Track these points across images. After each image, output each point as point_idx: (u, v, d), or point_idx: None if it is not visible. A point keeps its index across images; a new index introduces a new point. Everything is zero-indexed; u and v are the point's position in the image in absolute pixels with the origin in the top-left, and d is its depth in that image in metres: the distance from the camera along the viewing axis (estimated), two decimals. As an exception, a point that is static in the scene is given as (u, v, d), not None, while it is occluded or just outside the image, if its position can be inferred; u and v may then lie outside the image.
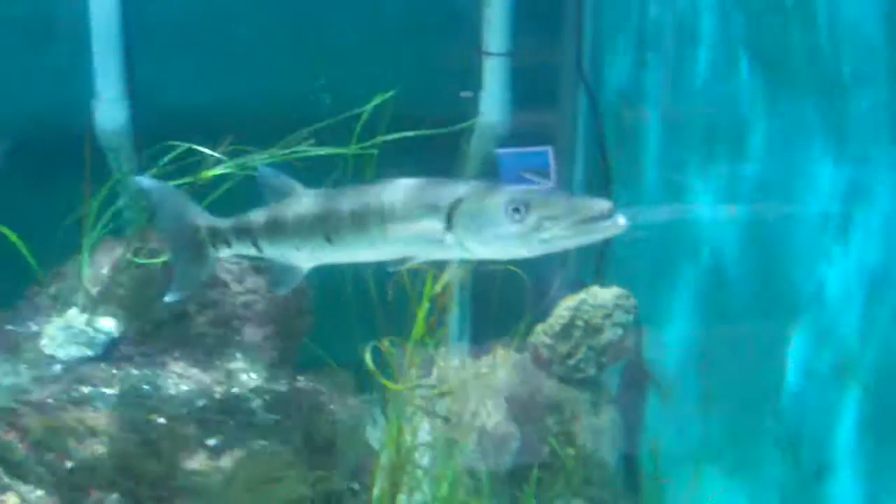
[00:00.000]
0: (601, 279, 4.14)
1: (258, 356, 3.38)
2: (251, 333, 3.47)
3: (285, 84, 4.36)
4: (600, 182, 4.43)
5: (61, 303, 3.49)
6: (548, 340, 3.63)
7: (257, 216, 3.01)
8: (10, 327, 3.37)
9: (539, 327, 3.69)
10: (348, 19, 4.37)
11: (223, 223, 3.11)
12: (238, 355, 3.34)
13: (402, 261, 2.63)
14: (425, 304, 3.20)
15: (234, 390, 3.13)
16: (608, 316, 3.59)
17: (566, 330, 3.61)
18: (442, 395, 3.23)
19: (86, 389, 3.03)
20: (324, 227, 2.75)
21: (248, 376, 3.25)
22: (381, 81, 3.86)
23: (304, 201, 2.88)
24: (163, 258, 3.45)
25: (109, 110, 4.23)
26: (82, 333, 3.31)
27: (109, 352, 3.33)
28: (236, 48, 4.30)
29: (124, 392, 2.99)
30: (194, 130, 4.14)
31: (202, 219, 3.11)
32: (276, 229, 2.94)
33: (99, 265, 3.54)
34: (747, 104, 3.52)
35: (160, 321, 3.46)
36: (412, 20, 4.44)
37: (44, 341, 3.30)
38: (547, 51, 4.62)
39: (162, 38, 4.24)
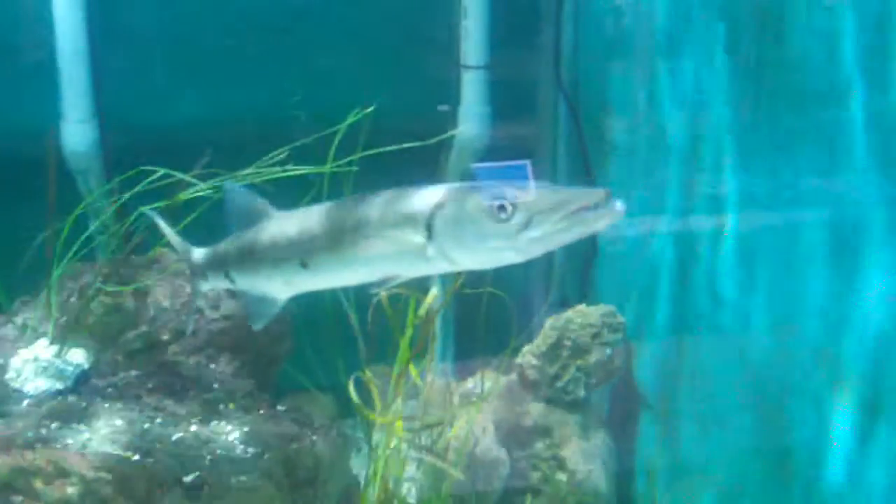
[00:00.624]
0: (587, 297, 4.06)
1: (236, 385, 3.26)
2: (228, 361, 3.34)
3: (260, 101, 4.26)
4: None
5: (29, 333, 3.34)
6: (535, 361, 3.53)
7: (227, 245, 2.86)
8: (-26, 360, 3.22)
9: (525, 348, 3.59)
10: (324, 33, 4.27)
11: (198, 256, 2.99)
12: (214, 385, 3.21)
13: (385, 282, 2.40)
14: (408, 332, 3.08)
15: (212, 422, 3.00)
16: (596, 335, 3.49)
17: (553, 350, 3.51)
18: (427, 427, 3.10)
19: (55, 426, 2.88)
20: (298, 251, 2.55)
21: (226, 407, 3.12)
22: (359, 96, 3.77)
23: (274, 224, 2.69)
24: (133, 285, 3.33)
25: (77, 132, 4.10)
26: (51, 366, 3.16)
27: (80, 384, 3.19)
28: (208, 64, 4.20)
29: (95, 428, 2.84)
30: (166, 150, 4.03)
31: (192, 254, 3.00)
32: (247, 258, 2.76)
33: (68, 293, 3.41)
34: (730, 114, 3.44)
35: (132, 351, 3.33)
36: (389, 33, 4.35)
37: (10, 374, 3.15)
38: (526, 63, 4.55)
39: (130, 57, 4.12)
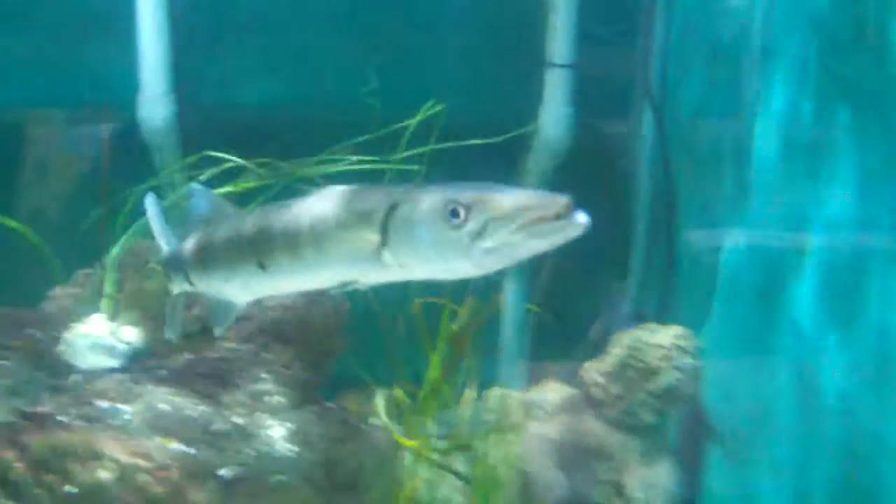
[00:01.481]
0: (664, 314, 3.85)
1: (286, 378, 3.16)
2: (281, 352, 3.25)
3: (336, 86, 4.16)
4: (664, 203, 4.13)
5: (86, 307, 3.31)
6: (600, 379, 3.34)
7: (187, 245, 2.69)
8: (31, 331, 3.20)
9: (591, 364, 3.40)
10: (406, 23, 4.15)
11: (166, 255, 2.83)
12: (265, 375, 3.12)
13: (345, 286, 2.22)
14: (441, 348, 2.90)
15: (256, 415, 2.91)
16: (666, 358, 3.28)
17: (620, 369, 3.31)
18: (460, 449, 2.93)
19: (100, 404, 2.83)
20: (255, 252, 2.36)
21: (273, 399, 3.03)
22: (435, 90, 3.64)
23: (232, 223, 2.51)
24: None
25: (154, 106, 4.06)
26: (104, 342, 3.13)
27: (131, 363, 3.15)
28: (286, 47, 4.12)
29: (139, 411, 2.78)
30: (240, 129, 3.98)
31: (163, 252, 2.85)
32: (205, 259, 2.59)
33: (127, 269, 3.36)
34: (822, 130, 3.20)
35: (186, 333, 3.26)
36: (472, 25, 4.21)
37: (63, 348, 3.13)
38: (613, 63, 4.35)
39: (210, 35, 4.07)
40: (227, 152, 3.46)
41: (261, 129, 3.93)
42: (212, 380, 3.08)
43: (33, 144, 4.25)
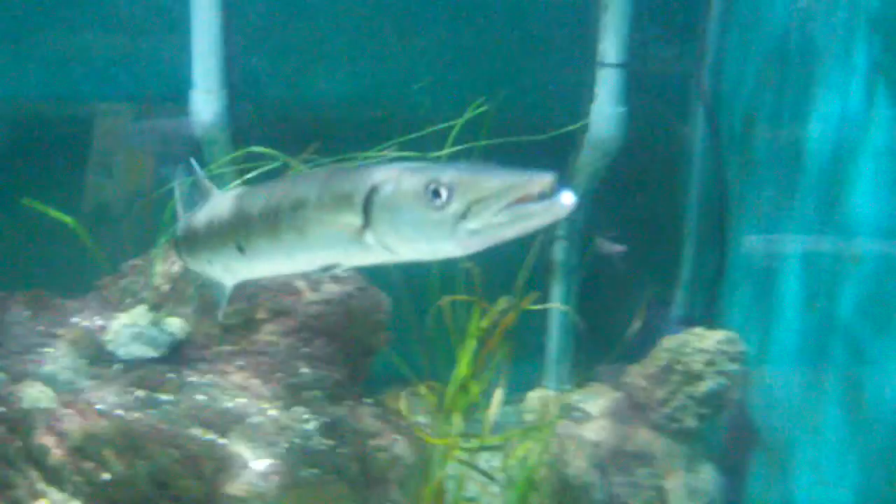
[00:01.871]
0: (711, 317, 3.76)
1: (325, 372, 3.15)
2: (321, 347, 3.24)
3: (385, 83, 4.15)
4: (716, 207, 4.04)
5: (130, 298, 3.35)
6: (643, 383, 3.27)
7: (180, 224, 2.70)
8: (75, 319, 3.25)
9: (634, 368, 3.33)
10: (456, 20, 4.12)
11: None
12: (304, 370, 3.12)
13: (327, 269, 2.18)
14: (470, 343, 2.86)
15: (293, 408, 2.91)
16: (711, 363, 3.20)
17: (663, 374, 3.24)
18: (486, 448, 2.88)
19: (139, 394, 2.85)
20: (234, 234, 2.33)
21: (311, 394, 3.03)
22: (485, 88, 3.61)
23: (212, 205, 2.49)
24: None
25: (206, 101, 4.09)
26: (146, 333, 3.15)
27: (173, 354, 3.17)
28: (338, 43, 4.12)
29: (177, 401, 2.80)
30: (291, 125, 3.99)
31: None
32: (190, 240, 2.60)
33: (172, 262, 3.39)
34: (880, 138, 3.08)
35: (228, 325, 3.28)
36: (523, 22, 4.16)
37: (107, 337, 3.16)
38: (666, 64, 4.27)
39: (263, 31, 4.09)
40: (277, 148, 3.47)
41: (313, 126, 3.94)
42: (250, 372, 3.09)
43: (93, 138, 4.32)
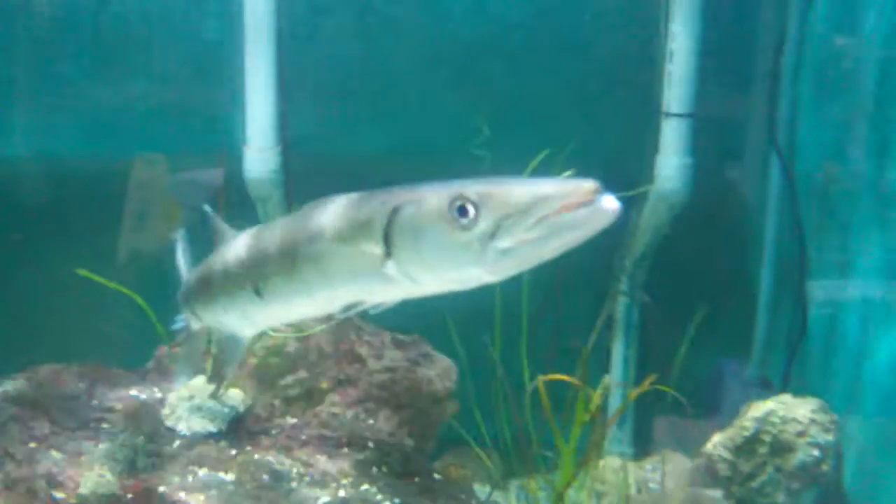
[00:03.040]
0: (792, 382, 3.57)
1: (392, 445, 3.01)
2: (387, 418, 3.10)
3: (444, 137, 4.05)
4: (793, 257, 3.86)
5: (188, 368, 3.23)
6: (726, 454, 3.08)
7: (192, 275, 2.52)
8: (133, 392, 3.13)
9: (716, 437, 3.14)
10: (517, 72, 4.01)
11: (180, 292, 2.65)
12: (370, 444, 2.98)
13: (350, 309, 1.99)
14: (574, 433, 2.70)
15: (363, 487, 2.76)
16: (802, 433, 3.00)
17: (749, 445, 3.04)
18: None
19: (202, 472, 2.72)
20: (250, 275, 2.15)
21: (379, 470, 2.88)
22: (547, 140, 3.49)
23: (228, 247, 2.30)
24: (302, 332, 3.15)
25: (259, 159, 4.01)
26: (206, 406, 3.03)
27: (233, 428, 3.05)
28: (393, 97, 4.03)
29: (241, 481, 2.66)
30: (347, 182, 3.89)
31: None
32: (204, 288, 2.40)
33: (231, 329, 3.27)
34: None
35: (289, 397, 3.15)
36: (585, 74, 4.04)
37: (165, 410, 3.04)
38: (735, 112, 4.12)
39: (316, 87, 4.01)
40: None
41: (367, 181, 3.84)
42: (315, 446, 2.95)
43: (138, 190, 4.25)
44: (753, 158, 4.07)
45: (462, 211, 1.70)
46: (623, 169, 4.02)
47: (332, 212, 1.95)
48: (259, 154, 4.00)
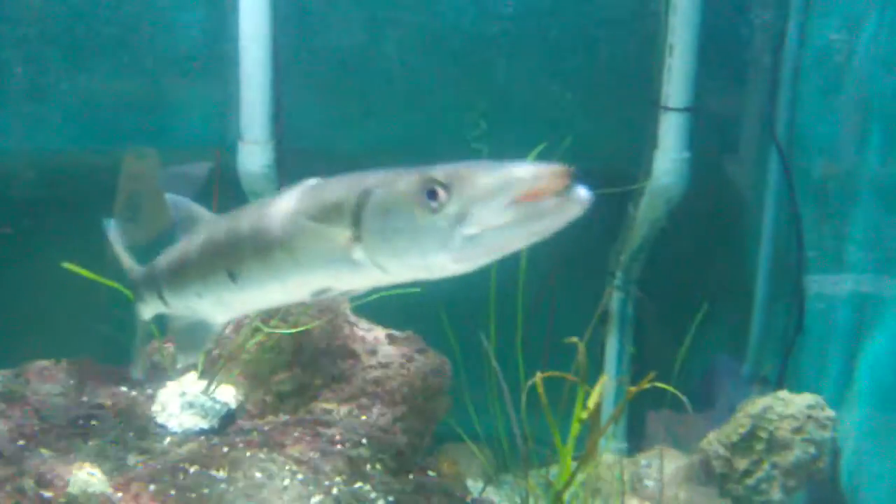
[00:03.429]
0: (787, 378, 3.55)
1: (386, 442, 2.98)
2: (380, 415, 3.07)
3: (440, 131, 4.01)
4: (791, 252, 3.83)
5: (180, 363, 3.20)
6: (722, 451, 3.06)
7: (160, 260, 2.43)
8: (123, 388, 3.10)
9: (713, 434, 3.12)
10: (512, 65, 3.97)
11: (137, 274, 2.56)
12: (363, 441, 2.94)
13: (319, 294, 1.95)
14: (573, 430, 2.68)
15: (356, 485, 2.73)
16: (798, 429, 2.98)
17: (746, 442, 3.02)
18: None
19: (193, 470, 2.69)
20: (225, 259, 2.10)
21: (373, 467, 2.85)
22: (544, 133, 3.45)
23: (203, 230, 2.25)
24: (296, 328, 3.11)
25: (253, 153, 3.97)
26: (197, 402, 3.00)
27: (225, 425, 3.02)
28: (388, 92, 3.99)
29: (233, 479, 2.63)
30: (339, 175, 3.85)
31: (133, 272, 2.57)
32: (177, 272, 2.32)
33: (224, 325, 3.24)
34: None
35: (282, 393, 3.12)
36: (582, 67, 4.00)
37: (156, 407, 3.01)
38: (733, 106, 4.09)
39: (310, 82, 3.96)
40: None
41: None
42: (307, 444, 2.92)
43: (128, 184, 4.20)
44: (751, 153, 4.04)
45: (432, 194, 1.67)
46: (620, 163, 3.99)
47: (302, 195, 1.92)
48: (252, 147, 3.96)
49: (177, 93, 4.07)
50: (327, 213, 1.83)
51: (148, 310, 2.57)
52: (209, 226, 2.26)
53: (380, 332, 3.31)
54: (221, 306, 2.26)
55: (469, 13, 3.97)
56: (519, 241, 1.67)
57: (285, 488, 2.66)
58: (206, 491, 2.59)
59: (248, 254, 2.04)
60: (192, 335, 2.41)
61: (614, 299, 4.17)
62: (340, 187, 1.84)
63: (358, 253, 1.79)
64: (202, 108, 4.06)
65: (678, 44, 3.72)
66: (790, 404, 3.02)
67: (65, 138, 4.08)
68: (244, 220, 2.08)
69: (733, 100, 4.06)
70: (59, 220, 3.96)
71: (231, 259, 2.09)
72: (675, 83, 3.76)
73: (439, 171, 1.68)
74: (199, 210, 2.37)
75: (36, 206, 4.01)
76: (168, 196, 2.45)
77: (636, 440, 4.07)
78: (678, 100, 3.79)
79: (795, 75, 3.81)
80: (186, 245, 2.29)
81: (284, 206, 1.95)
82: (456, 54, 3.94)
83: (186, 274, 2.28)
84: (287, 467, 2.77)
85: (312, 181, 1.97)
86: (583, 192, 1.59)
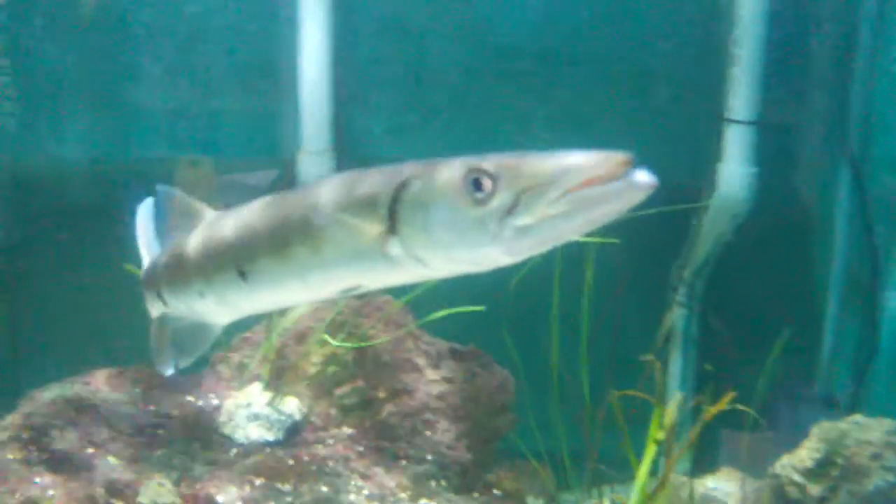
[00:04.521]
0: (860, 401, 3.44)
1: (450, 458, 2.94)
2: (444, 430, 3.03)
3: (501, 142, 3.97)
4: (865, 269, 3.73)
5: (245, 374, 3.19)
6: (796, 477, 2.97)
7: (160, 258, 2.29)
8: (189, 398, 3.10)
9: (785, 458, 3.03)
10: (578, 76, 3.92)
11: (143, 273, 2.42)
12: (428, 456, 2.91)
13: (347, 292, 1.83)
14: (649, 452, 2.61)
15: (421, 502, 2.70)
16: (877, 456, 2.88)
17: (821, 467, 2.93)
18: None
19: (258, 482, 2.67)
20: (234, 256, 1.95)
21: (437, 483, 2.81)
22: (607, 144, 3.40)
23: (207, 227, 2.11)
24: (360, 338, 3.09)
25: (314, 163, 3.96)
26: (263, 414, 2.98)
27: (290, 436, 2.99)
28: (448, 102, 3.96)
29: (300, 492, 2.61)
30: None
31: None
32: (177, 271, 2.17)
33: (288, 335, 3.23)
34: None
35: (346, 406, 3.10)
36: (645, 78, 3.94)
37: (222, 418, 3.00)
38: (802, 119, 4.00)
39: (370, 92, 3.95)
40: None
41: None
42: (372, 458, 2.89)
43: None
44: (822, 167, 3.94)
45: (477, 184, 1.57)
46: (684, 176, 3.92)
47: (331, 187, 1.80)
48: (312, 157, 3.96)
49: (234, 103, 4.07)
50: (359, 207, 1.71)
51: (153, 309, 2.42)
52: (213, 220, 2.14)
53: (443, 346, 3.27)
54: (226, 306, 2.13)
55: (529, 26, 3.93)
56: (575, 230, 1.57)
57: (351, 503, 2.63)
58: (272, 503, 2.57)
59: (262, 250, 1.91)
60: (192, 337, 2.28)
61: (677, 315, 4.10)
62: (375, 178, 1.74)
63: (394, 247, 1.69)
64: (258, 119, 4.06)
65: (743, 55, 3.65)
66: (868, 430, 2.93)
67: (121, 147, 4.10)
68: (258, 214, 1.95)
69: (802, 112, 3.97)
70: (115, 226, 3.99)
71: (241, 256, 1.96)
72: (740, 94, 3.70)
73: (485, 161, 1.58)
74: (196, 204, 2.26)
75: (92, 213, 4.03)
76: (158, 187, 2.35)
77: (700, 462, 3.99)
78: (743, 112, 3.72)
79: (867, 85, 3.71)
80: (187, 241, 2.16)
81: (309, 199, 1.83)
82: (517, 66, 3.90)
83: (187, 272, 2.15)
84: (353, 482, 2.75)
85: (340, 173, 1.85)
86: (644, 176, 1.49)
